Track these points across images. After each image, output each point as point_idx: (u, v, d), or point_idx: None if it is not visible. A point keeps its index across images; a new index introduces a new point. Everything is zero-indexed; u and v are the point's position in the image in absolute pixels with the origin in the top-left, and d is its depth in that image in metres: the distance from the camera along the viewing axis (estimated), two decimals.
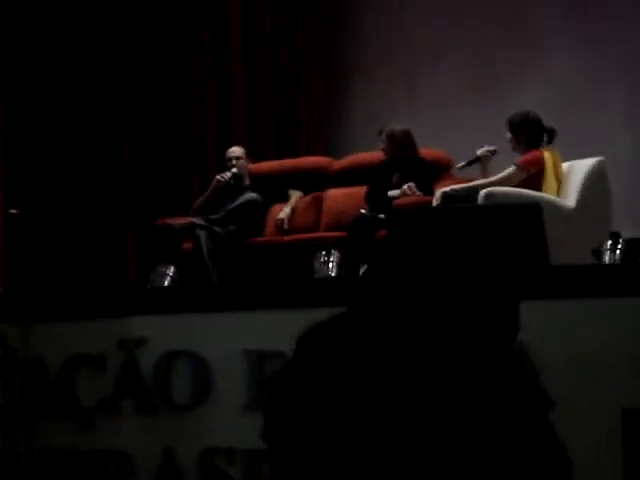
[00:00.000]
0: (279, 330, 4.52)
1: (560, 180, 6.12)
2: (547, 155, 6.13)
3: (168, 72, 8.67)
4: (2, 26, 6.64)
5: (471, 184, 6.18)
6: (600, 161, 6.14)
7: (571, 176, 6.11)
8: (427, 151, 7.11)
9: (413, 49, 8.40)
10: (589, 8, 7.93)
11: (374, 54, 8.54)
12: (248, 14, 8.63)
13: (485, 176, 6.31)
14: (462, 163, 6.58)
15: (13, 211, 6.41)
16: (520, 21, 8.08)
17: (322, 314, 4.59)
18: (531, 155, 6.16)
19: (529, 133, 6.22)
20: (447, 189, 6.20)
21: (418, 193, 6.71)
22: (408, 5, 8.42)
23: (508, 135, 6.26)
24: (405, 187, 6.75)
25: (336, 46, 8.64)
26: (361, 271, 6.04)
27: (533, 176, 6.10)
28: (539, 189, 6.05)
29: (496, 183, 6.04)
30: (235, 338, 4.57)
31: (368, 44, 8.56)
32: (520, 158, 6.19)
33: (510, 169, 6.16)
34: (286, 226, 7.16)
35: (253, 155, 7.71)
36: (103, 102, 8.57)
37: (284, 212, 7.23)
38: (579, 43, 7.95)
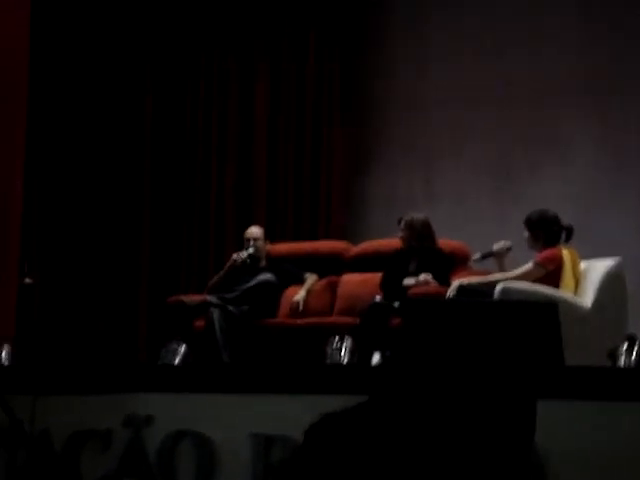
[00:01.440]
0: (288, 415, 4.50)
1: (577, 279, 6.10)
2: (565, 253, 6.12)
3: (190, 150, 8.74)
4: (29, 86, 6.72)
5: (488, 278, 6.16)
6: (618, 262, 6.13)
7: (588, 276, 6.09)
8: (444, 241, 7.11)
9: (434, 139, 8.46)
10: (609, 106, 7.99)
11: (396, 142, 8.60)
12: (274, 99, 8.72)
13: (501, 271, 6.29)
14: (477, 256, 6.57)
15: (28, 281, 6.42)
16: (539, 118, 8.14)
17: (332, 401, 4.56)
18: (550, 252, 6.15)
19: (547, 232, 6.22)
20: (464, 281, 6.18)
21: (434, 283, 6.69)
22: (430, 97, 8.49)
23: (526, 233, 6.26)
24: (421, 277, 6.74)
25: (359, 132, 8.70)
26: (373, 359, 6.01)
27: (551, 273, 6.08)
28: (557, 287, 6.02)
29: (513, 279, 6.02)
30: (243, 421, 4.54)
31: (390, 131, 8.63)
32: (539, 255, 6.18)
33: (528, 265, 6.15)
34: (301, 308, 7.15)
35: (271, 236, 7.73)
36: (123, 176, 8.62)
37: (300, 295, 7.22)
38: (598, 141, 8.00)
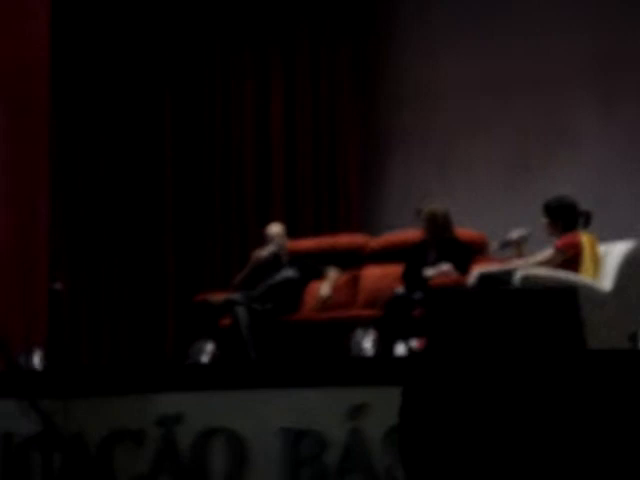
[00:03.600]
0: (315, 408, 4.56)
1: (597, 263, 6.13)
2: (585, 239, 6.15)
3: (209, 149, 8.80)
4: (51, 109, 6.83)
5: (509, 265, 6.20)
6: (637, 245, 6.15)
7: (607, 260, 6.11)
8: (463, 231, 7.15)
9: (449, 130, 8.49)
10: (622, 95, 8.01)
11: (411, 133, 8.64)
12: (289, 92, 8.78)
13: (520, 258, 6.33)
14: (496, 246, 6.61)
15: (58, 286, 6.51)
16: (555, 107, 8.16)
17: (358, 393, 4.61)
18: (569, 238, 6.18)
19: (566, 218, 6.25)
20: (484, 270, 6.23)
21: (454, 273, 6.74)
22: (444, 86, 8.53)
23: (545, 220, 6.29)
24: (442, 268, 6.78)
25: (374, 124, 8.74)
26: (397, 350, 6.07)
27: (571, 259, 6.11)
28: (577, 272, 6.06)
29: (534, 265, 6.06)
30: (272, 416, 4.60)
31: (405, 123, 8.65)
32: (558, 241, 6.21)
33: (548, 252, 6.18)
34: (329, 301, 7.20)
35: (291, 232, 7.79)
36: (145, 178, 8.69)
37: (325, 290, 7.25)
38: (613, 130, 8.02)
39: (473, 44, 8.43)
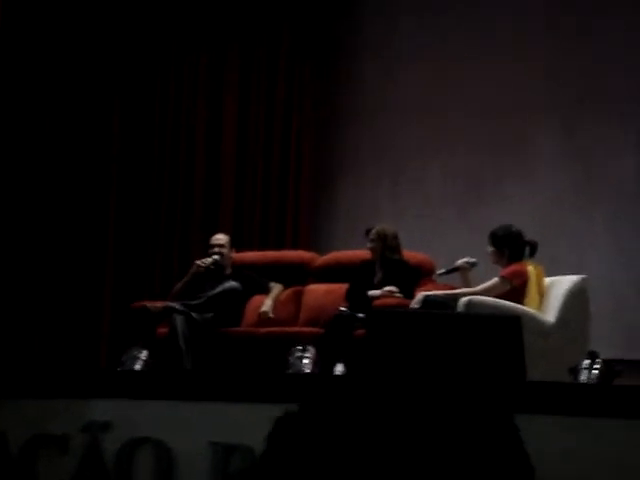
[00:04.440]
0: (248, 424, 4.46)
1: (542, 294, 6.11)
2: (531, 269, 6.14)
3: (158, 155, 8.70)
4: None
5: (454, 291, 6.17)
6: (582, 279, 6.15)
7: (553, 291, 6.11)
8: (410, 254, 7.11)
9: (401, 152, 8.48)
10: (577, 123, 8.03)
11: (363, 154, 8.61)
12: (243, 106, 8.71)
13: (466, 286, 6.30)
14: (441, 271, 6.59)
15: None
16: (508, 132, 8.17)
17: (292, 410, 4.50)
18: (515, 267, 6.17)
19: (512, 247, 6.25)
20: (429, 293, 6.18)
21: (399, 296, 6.69)
22: (399, 108, 8.51)
23: (490, 248, 6.28)
24: (387, 289, 6.73)
25: (326, 142, 8.71)
26: (336, 369, 5.99)
27: (516, 288, 6.09)
28: (521, 302, 6.03)
29: (479, 293, 6.03)
30: (202, 429, 4.50)
31: (358, 143, 8.64)
32: (504, 270, 6.19)
33: (494, 280, 6.15)
34: (272, 316, 7.10)
35: (237, 244, 7.70)
36: (90, 176, 8.57)
37: (267, 305, 7.16)
38: (567, 158, 8.03)
39: (432, 66, 8.43)
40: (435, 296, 6.16)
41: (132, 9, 8.71)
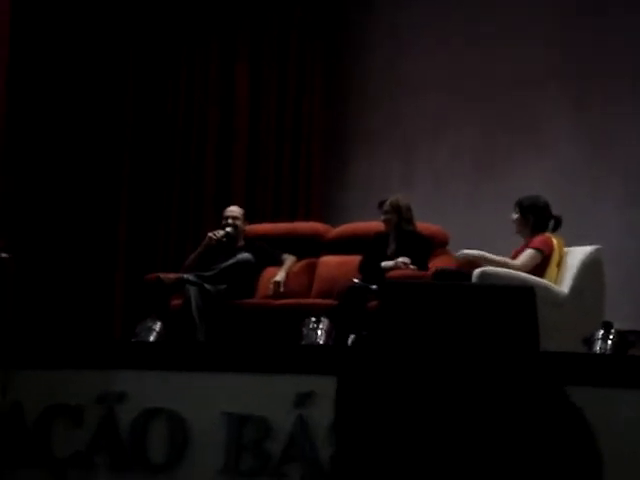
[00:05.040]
0: (262, 394, 4.48)
1: (560, 268, 6.09)
2: (556, 242, 6.11)
3: (170, 130, 8.69)
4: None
5: (493, 258, 6.04)
6: (596, 249, 6.12)
7: (567, 263, 6.08)
8: (423, 225, 7.09)
9: (415, 122, 8.46)
10: (589, 98, 8.00)
11: (376, 123, 8.60)
12: (255, 80, 8.68)
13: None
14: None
15: (4, 255, 6.38)
16: (521, 105, 8.13)
17: (306, 381, 4.52)
18: (544, 238, 6.13)
19: (537, 217, 6.21)
20: (468, 252, 6.02)
21: (412, 267, 6.68)
22: (412, 80, 8.49)
23: (515, 216, 6.23)
24: (400, 260, 6.72)
25: (339, 112, 8.69)
26: (350, 341, 6.00)
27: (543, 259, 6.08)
28: (542, 273, 6.01)
29: (521, 266, 5.98)
30: (216, 400, 4.52)
31: (371, 113, 8.62)
32: (534, 241, 6.13)
33: (528, 252, 6.08)
34: (282, 289, 7.10)
35: (250, 216, 7.70)
36: (103, 153, 8.58)
37: (280, 275, 7.16)
38: (579, 132, 8.00)
39: (442, 45, 8.42)
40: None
41: (145, 2, 8.71)
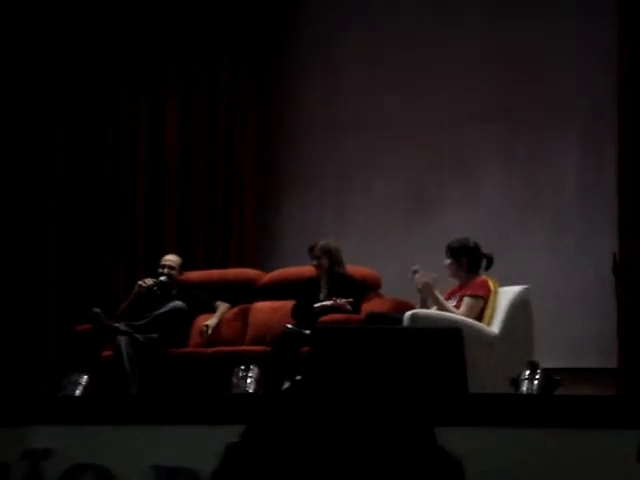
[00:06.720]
0: (191, 446, 4.41)
1: (494, 309, 6.12)
2: (492, 284, 6.15)
3: (101, 175, 8.61)
4: None
5: (444, 311, 6.04)
6: (525, 289, 6.17)
7: (498, 303, 6.12)
8: (355, 269, 7.10)
9: (347, 169, 8.46)
10: (519, 139, 8.06)
11: (308, 170, 8.59)
12: (185, 122, 8.64)
13: (423, 307, 6.20)
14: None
15: None
16: (453, 148, 8.17)
17: (237, 431, 4.45)
18: (481, 282, 6.17)
19: (470, 258, 6.26)
20: (417, 311, 6.00)
21: (349, 307, 6.65)
22: (342, 126, 8.50)
23: (447, 261, 6.27)
24: (337, 300, 6.68)
25: (271, 159, 8.67)
26: (284, 387, 5.95)
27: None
28: (481, 315, 6.03)
29: (463, 315, 5.97)
30: (144, 453, 4.44)
31: (302, 160, 8.61)
32: (471, 287, 6.15)
33: (467, 302, 6.09)
34: (210, 332, 7.04)
35: (182, 264, 7.62)
36: (31, 202, 8.48)
37: (211, 320, 7.15)
38: (507, 172, 8.05)
39: (374, 81, 8.42)
40: (425, 313, 6.06)
41: (71, 37, 8.64)
